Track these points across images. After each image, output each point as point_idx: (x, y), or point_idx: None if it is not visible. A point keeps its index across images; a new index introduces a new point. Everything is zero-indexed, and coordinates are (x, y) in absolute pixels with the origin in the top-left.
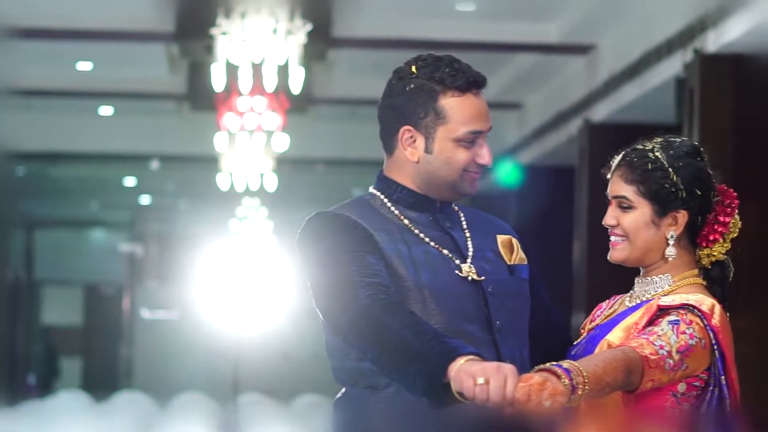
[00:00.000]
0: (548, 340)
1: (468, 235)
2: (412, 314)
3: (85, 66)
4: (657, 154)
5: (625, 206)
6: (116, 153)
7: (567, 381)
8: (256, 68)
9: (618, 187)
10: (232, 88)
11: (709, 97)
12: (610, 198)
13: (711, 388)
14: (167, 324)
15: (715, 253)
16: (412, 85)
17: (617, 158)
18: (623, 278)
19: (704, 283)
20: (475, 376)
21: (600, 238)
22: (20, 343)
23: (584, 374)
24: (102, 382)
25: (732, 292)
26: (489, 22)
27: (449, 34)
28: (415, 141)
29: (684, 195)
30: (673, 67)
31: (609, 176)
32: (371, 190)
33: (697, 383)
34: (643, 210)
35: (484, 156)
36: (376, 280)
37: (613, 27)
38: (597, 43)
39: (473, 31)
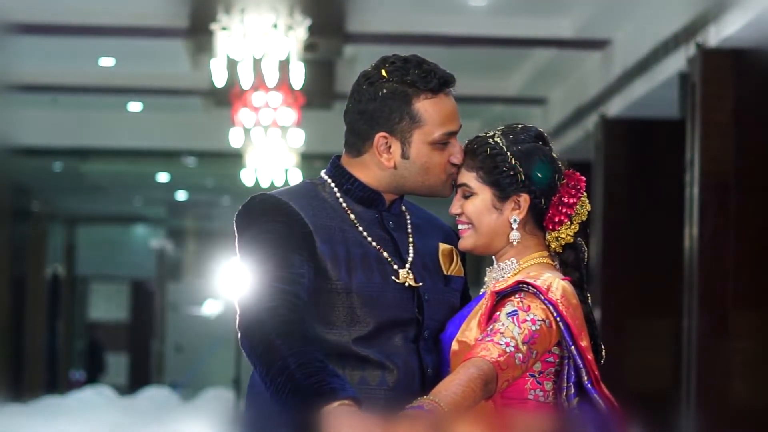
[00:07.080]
0: None
1: (411, 240)
2: (304, 340)
3: (107, 62)
4: (497, 139)
5: (468, 194)
6: (148, 149)
7: (429, 422)
8: (265, 64)
9: (461, 175)
10: None
11: (709, 91)
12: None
13: (566, 360)
14: (203, 320)
15: (563, 236)
16: (384, 90)
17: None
18: (637, 272)
19: (553, 263)
20: (340, 427)
21: (615, 233)
22: (61, 339)
23: (445, 409)
24: (148, 377)
25: (734, 289)
26: (501, 17)
27: (461, 30)
28: (390, 147)
29: (523, 178)
30: (678, 61)
31: None
32: (322, 174)
33: (551, 359)
34: (483, 196)
35: (457, 155)
36: (290, 287)
37: (626, 21)
38: (612, 37)
39: (486, 26)
